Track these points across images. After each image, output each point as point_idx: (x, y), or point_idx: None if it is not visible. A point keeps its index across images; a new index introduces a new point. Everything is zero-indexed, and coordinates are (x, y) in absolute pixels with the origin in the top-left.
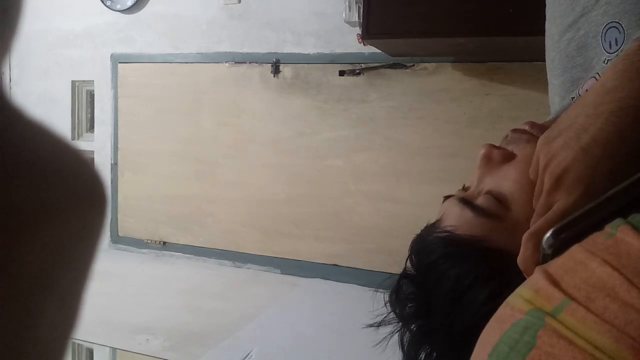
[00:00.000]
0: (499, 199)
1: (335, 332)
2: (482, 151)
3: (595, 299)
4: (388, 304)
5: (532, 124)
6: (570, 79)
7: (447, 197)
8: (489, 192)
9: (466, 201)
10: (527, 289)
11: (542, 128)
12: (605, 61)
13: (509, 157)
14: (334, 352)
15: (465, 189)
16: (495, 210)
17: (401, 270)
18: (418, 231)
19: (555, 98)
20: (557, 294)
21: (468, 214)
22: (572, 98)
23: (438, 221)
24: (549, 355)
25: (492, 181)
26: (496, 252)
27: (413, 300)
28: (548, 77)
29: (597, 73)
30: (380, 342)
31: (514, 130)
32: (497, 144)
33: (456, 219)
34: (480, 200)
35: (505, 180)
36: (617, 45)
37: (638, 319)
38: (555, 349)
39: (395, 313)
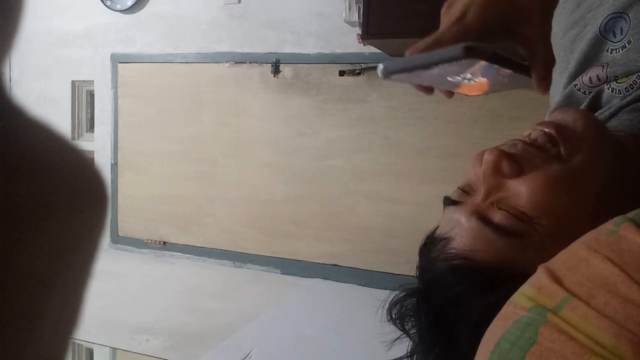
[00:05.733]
0: (517, 215)
1: (335, 332)
2: (490, 157)
3: (597, 295)
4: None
5: (557, 128)
6: (575, 73)
7: (448, 202)
8: (504, 207)
9: (486, 219)
10: (530, 286)
11: (565, 132)
12: (609, 50)
13: (518, 174)
14: (334, 352)
15: (462, 189)
16: (518, 228)
17: (406, 288)
18: (417, 232)
19: (558, 91)
20: (560, 291)
21: (488, 234)
22: (575, 85)
23: (446, 239)
24: (549, 351)
25: (504, 195)
26: (526, 279)
27: (432, 327)
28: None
29: (607, 63)
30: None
31: (527, 144)
32: (503, 147)
33: (473, 239)
34: (499, 218)
35: (519, 198)
36: (622, 34)
37: (638, 314)
38: (555, 345)
39: (410, 337)
